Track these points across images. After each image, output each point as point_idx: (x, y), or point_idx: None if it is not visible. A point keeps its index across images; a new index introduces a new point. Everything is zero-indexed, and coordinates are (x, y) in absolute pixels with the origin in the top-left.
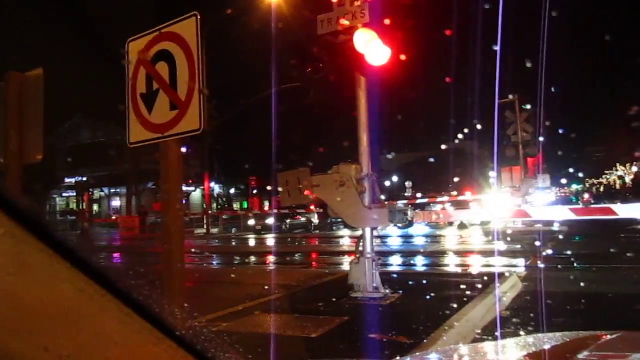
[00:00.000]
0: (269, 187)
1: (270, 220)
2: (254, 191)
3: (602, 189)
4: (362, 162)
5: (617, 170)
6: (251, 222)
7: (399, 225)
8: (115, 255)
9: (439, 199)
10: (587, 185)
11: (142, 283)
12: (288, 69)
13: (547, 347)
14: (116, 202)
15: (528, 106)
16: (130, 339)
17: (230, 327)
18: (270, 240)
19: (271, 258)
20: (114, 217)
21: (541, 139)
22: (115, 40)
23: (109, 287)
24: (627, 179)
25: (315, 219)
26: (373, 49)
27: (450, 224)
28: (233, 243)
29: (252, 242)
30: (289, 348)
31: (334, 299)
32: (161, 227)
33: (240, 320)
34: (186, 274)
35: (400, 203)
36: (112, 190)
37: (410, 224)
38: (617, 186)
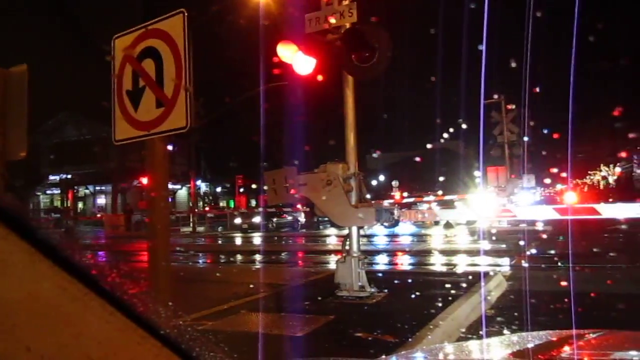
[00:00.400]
0: (255, 186)
1: (257, 219)
2: (241, 190)
3: (586, 189)
4: (349, 161)
5: (601, 171)
6: (238, 220)
7: (386, 224)
8: (100, 253)
9: (425, 199)
10: (572, 185)
11: (126, 282)
12: (277, 67)
13: (531, 345)
14: (101, 200)
15: (514, 106)
16: (113, 338)
17: (215, 326)
18: (256, 239)
19: (258, 257)
20: (99, 215)
21: (526, 139)
22: (102, 37)
23: (92, 285)
24: (611, 180)
25: (302, 218)
26: (362, 49)
27: (437, 223)
28: (219, 242)
29: (238, 241)
30: (274, 347)
31: (320, 298)
32: (147, 225)
33: (226, 319)
34: (172, 273)
35: (387, 202)
36: (98, 188)
37: (396, 223)
38: (601, 187)
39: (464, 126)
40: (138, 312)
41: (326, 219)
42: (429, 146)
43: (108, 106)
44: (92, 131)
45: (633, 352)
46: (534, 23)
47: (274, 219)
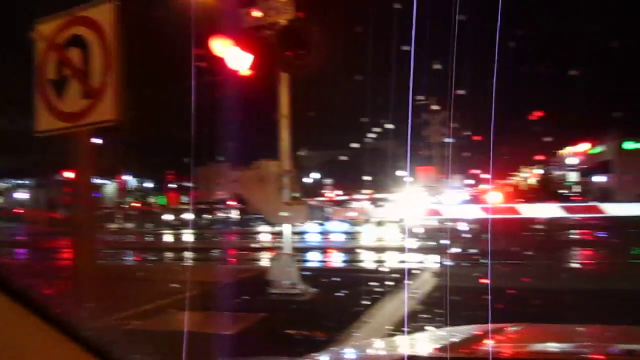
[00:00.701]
0: (187, 182)
1: (187, 216)
2: (172, 186)
3: (509, 189)
4: (283, 158)
5: (523, 171)
6: (168, 217)
7: (318, 222)
8: (18, 251)
9: (356, 197)
10: (496, 185)
11: (42, 282)
12: (211, 62)
13: (455, 339)
14: (22, 195)
15: (439, 108)
16: (25, 341)
17: (142, 326)
18: (187, 236)
19: (188, 254)
20: (19, 211)
21: (451, 140)
22: (22, 22)
23: (2, 286)
24: (532, 181)
25: (234, 215)
26: (296, 46)
27: (368, 221)
28: (148, 239)
29: (168, 238)
30: (203, 346)
31: (251, 296)
32: (71, 221)
33: (153, 318)
34: (97, 271)
35: (320, 200)
36: (18, 182)
37: (329, 220)
38: (522, 188)
39: (393, 126)
40: (53, 314)
41: (259, 215)
42: (359, 145)
43: (29, 96)
44: (13, 122)
45: (548, 344)
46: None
47: (206, 216)
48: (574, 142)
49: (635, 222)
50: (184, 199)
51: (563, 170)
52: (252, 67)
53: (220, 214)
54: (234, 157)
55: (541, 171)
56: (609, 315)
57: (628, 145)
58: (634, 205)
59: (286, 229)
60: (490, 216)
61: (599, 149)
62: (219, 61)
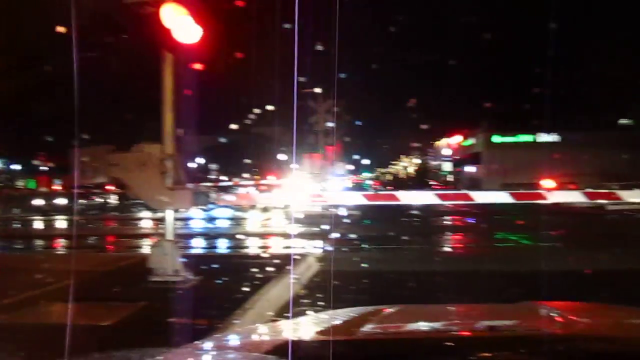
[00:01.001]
0: (61, 165)
1: (61, 201)
2: (43, 168)
3: (389, 177)
4: (166, 142)
5: (402, 161)
6: (39, 202)
7: (203, 207)
8: None
9: (242, 182)
10: (377, 173)
11: None
12: (91, 36)
13: (337, 322)
14: None
15: (321, 92)
16: None
17: (10, 319)
18: (61, 222)
19: (62, 242)
20: None
21: (332, 124)
22: None
23: None
24: (411, 170)
25: (113, 200)
26: (182, 25)
27: (254, 207)
28: (16, 225)
29: (39, 225)
30: (77, 339)
31: (131, 285)
32: None
33: (21, 311)
34: None
35: (205, 185)
36: None
37: (214, 206)
38: (403, 175)
39: (279, 112)
40: None
41: (141, 201)
42: (241, 131)
43: None
44: None
45: (421, 323)
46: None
47: (82, 201)
48: (449, 134)
49: (500, 209)
50: (57, 182)
51: (439, 160)
52: (139, 44)
53: (98, 199)
54: (114, 139)
55: (419, 161)
56: (476, 294)
57: (496, 138)
58: (500, 194)
59: (168, 214)
60: (372, 202)
61: (470, 141)
62: (100, 35)
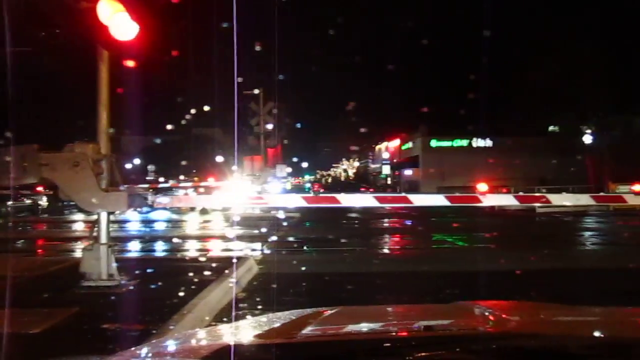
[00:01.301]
0: None
1: None
2: None
3: (330, 180)
4: (101, 141)
5: (342, 164)
6: None
7: (140, 210)
8: None
9: (181, 184)
10: (318, 176)
11: None
12: (22, 30)
13: (276, 325)
14: None
15: (258, 92)
16: None
17: None
18: None
19: None
20: None
21: (271, 126)
22: None
23: None
24: (350, 172)
25: (43, 202)
26: (119, 22)
27: (193, 209)
28: None
29: None
30: (2, 348)
31: (62, 290)
32: None
33: None
34: None
35: (142, 187)
36: None
37: (151, 209)
38: (343, 178)
39: (220, 114)
40: None
41: (72, 203)
42: (181, 132)
43: None
44: None
45: (361, 324)
46: (284, 20)
47: (9, 203)
48: (389, 138)
49: (436, 212)
50: None
51: (378, 164)
52: (74, 41)
53: (26, 201)
54: (46, 138)
55: (357, 164)
56: (413, 295)
57: (434, 142)
58: (436, 197)
59: (103, 217)
60: (313, 205)
61: (409, 145)
62: (32, 30)
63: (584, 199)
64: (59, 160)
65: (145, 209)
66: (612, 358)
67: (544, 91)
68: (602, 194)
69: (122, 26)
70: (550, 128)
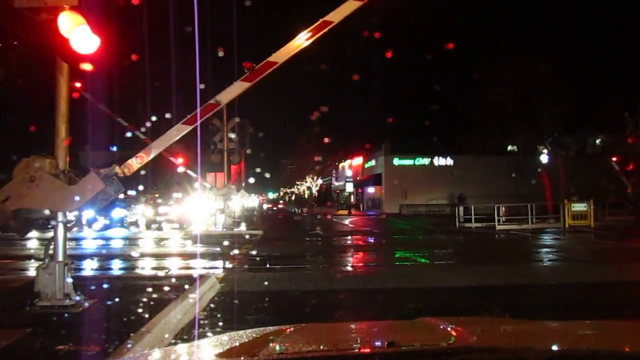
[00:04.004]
0: None
1: None
2: None
3: (293, 197)
4: (59, 156)
5: (306, 181)
6: None
7: (97, 227)
8: None
9: (142, 200)
10: (281, 193)
11: None
12: None
13: (238, 344)
14: None
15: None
16: None
17: None
18: None
19: None
20: None
21: (238, 145)
22: None
23: None
24: (314, 190)
25: None
26: (80, 35)
27: (151, 226)
28: None
29: None
30: None
31: (15, 310)
32: None
33: None
34: None
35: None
36: None
37: (109, 225)
38: (306, 196)
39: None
40: None
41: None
42: (129, 135)
43: None
44: None
45: (324, 341)
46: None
47: None
48: (352, 156)
49: (398, 229)
50: None
51: (342, 181)
52: (33, 53)
53: None
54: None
55: (320, 181)
56: (376, 311)
57: (396, 161)
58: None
59: (59, 233)
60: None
61: (371, 163)
62: None
63: None
64: (14, 175)
65: (104, 225)
66: None
67: (503, 111)
68: None
69: (83, 39)
70: (509, 147)
